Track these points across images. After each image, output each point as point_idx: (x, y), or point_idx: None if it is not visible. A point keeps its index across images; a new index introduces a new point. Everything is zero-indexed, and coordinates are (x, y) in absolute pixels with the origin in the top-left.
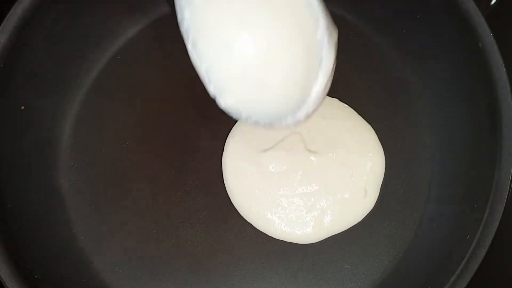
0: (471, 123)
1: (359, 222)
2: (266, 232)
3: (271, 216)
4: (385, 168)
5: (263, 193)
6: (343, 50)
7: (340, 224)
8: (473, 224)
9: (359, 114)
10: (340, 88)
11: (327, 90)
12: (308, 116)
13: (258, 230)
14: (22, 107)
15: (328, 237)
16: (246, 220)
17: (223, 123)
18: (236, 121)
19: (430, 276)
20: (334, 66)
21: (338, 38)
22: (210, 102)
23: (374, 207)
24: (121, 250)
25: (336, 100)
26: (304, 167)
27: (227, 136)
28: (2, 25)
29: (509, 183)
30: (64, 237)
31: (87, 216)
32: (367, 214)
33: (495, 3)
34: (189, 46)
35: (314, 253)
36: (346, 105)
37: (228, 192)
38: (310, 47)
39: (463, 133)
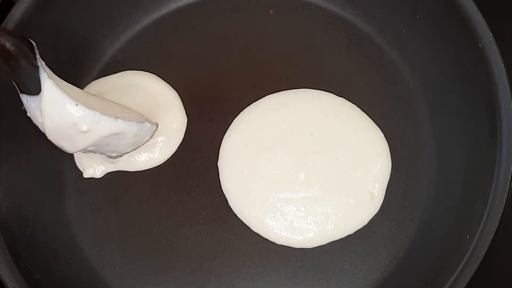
0: (471, 123)
1: None
2: (265, 237)
3: (270, 221)
4: None
5: (261, 197)
6: (343, 50)
7: (344, 230)
8: (473, 224)
9: None
10: (339, 88)
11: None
12: None
13: None
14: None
15: None
16: None
17: (224, 123)
18: (234, 119)
19: (430, 276)
20: None
21: (339, 39)
22: (210, 102)
23: None
24: (121, 250)
25: (336, 96)
26: (306, 169)
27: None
28: (2, 25)
29: (509, 183)
30: (64, 237)
31: (87, 216)
32: None
33: None
34: None
35: (314, 253)
36: (349, 101)
37: (225, 195)
38: None
39: (463, 133)
